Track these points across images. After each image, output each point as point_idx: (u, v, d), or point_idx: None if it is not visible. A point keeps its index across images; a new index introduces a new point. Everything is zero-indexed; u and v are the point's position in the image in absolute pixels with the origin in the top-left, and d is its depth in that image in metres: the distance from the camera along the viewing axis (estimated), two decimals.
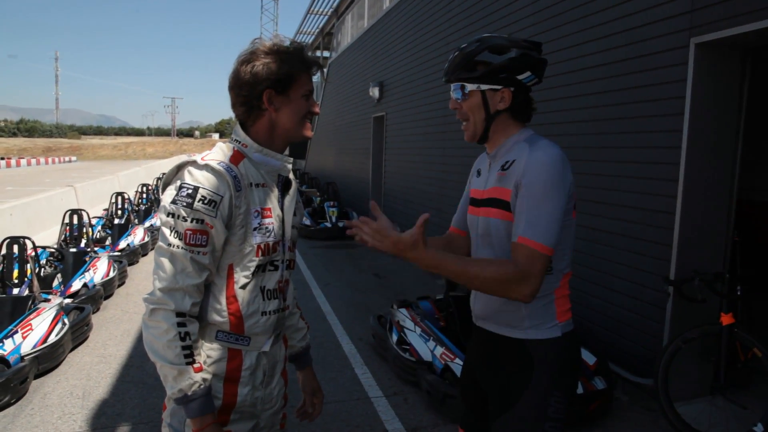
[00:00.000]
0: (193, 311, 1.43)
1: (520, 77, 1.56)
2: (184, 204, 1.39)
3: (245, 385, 1.52)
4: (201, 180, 1.41)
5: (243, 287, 1.49)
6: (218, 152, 1.50)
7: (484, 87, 1.57)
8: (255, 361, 1.55)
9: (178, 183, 1.43)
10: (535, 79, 1.59)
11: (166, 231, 1.41)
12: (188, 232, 1.40)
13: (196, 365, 1.40)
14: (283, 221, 1.58)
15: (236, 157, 1.50)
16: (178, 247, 1.40)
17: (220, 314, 1.48)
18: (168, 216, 1.41)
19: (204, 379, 1.41)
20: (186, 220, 1.40)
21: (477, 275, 1.42)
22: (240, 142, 1.53)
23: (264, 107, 1.49)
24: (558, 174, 1.45)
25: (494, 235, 1.58)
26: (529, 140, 1.57)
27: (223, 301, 1.48)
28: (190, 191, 1.40)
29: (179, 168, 1.48)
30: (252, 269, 1.49)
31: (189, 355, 1.39)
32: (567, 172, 1.48)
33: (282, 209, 1.58)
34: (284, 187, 1.61)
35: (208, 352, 1.49)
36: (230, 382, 1.51)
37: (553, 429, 1.53)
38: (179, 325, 1.39)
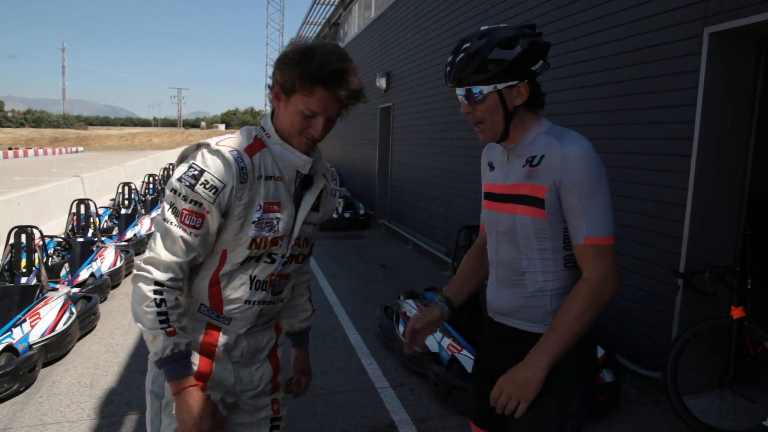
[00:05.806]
0: (170, 285, 1.44)
1: (534, 68, 1.50)
2: (187, 184, 1.42)
3: (219, 361, 1.57)
4: (209, 164, 1.43)
5: (230, 272, 1.52)
6: (237, 139, 1.50)
7: (500, 86, 1.49)
8: (233, 341, 1.58)
9: (190, 162, 1.45)
10: (545, 65, 1.52)
11: (166, 205, 1.45)
12: (184, 212, 1.43)
13: (169, 329, 1.42)
14: (295, 217, 1.56)
15: (255, 146, 1.50)
16: (171, 223, 1.43)
17: (202, 291, 1.53)
18: (171, 191, 1.44)
19: (176, 343, 1.43)
20: (185, 200, 1.42)
21: (579, 319, 1.43)
22: (264, 131, 1.53)
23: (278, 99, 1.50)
24: (598, 165, 1.45)
25: (520, 233, 1.53)
26: (551, 133, 1.51)
27: (207, 280, 1.53)
28: (195, 173, 1.42)
29: (198, 146, 1.50)
30: (242, 259, 1.51)
31: (164, 321, 1.42)
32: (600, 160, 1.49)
33: (297, 205, 1.56)
34: (303, 183, 1.58)
35: (190, 323, 1.54)
36: (205, 356, 1.56)
37: (573, 426, 1.50)
38: (155, 292, 1.42)
